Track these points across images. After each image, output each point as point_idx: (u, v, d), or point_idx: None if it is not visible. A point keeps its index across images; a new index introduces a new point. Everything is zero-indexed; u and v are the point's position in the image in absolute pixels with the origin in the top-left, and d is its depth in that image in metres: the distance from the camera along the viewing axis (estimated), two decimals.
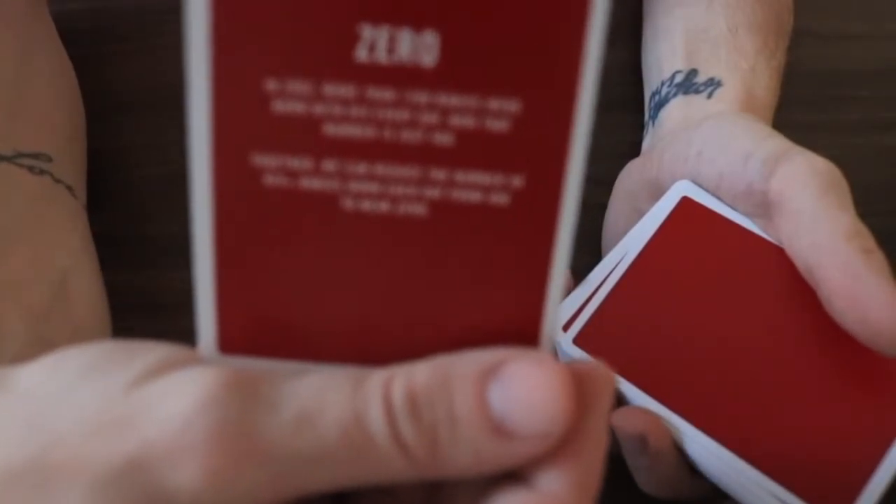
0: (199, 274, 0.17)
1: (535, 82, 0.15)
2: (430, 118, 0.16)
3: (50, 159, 0.35)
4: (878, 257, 0.25)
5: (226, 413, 0.15)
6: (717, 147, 0.29)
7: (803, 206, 0.26)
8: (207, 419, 0.15)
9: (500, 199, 0.16)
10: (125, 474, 0.15)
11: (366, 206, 0.16)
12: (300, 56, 0.15)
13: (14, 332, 0.31)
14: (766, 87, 0.36)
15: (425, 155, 0.16)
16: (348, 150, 0.16)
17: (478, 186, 0.16)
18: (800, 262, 0.27)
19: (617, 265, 0.29)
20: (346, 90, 0.15)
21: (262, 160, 0.16)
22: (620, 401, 0.27)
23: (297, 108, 0.15)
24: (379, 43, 0.15)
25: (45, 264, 0.33)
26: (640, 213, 0.32)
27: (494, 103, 0.15)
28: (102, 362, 0.17)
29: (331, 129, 0.16)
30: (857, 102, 0.45)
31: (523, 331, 0.17)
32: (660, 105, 0.37)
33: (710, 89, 0.35)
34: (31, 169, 0.34)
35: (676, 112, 0.36)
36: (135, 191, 0.41)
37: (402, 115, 0.15)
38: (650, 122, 0.39)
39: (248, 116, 0.15)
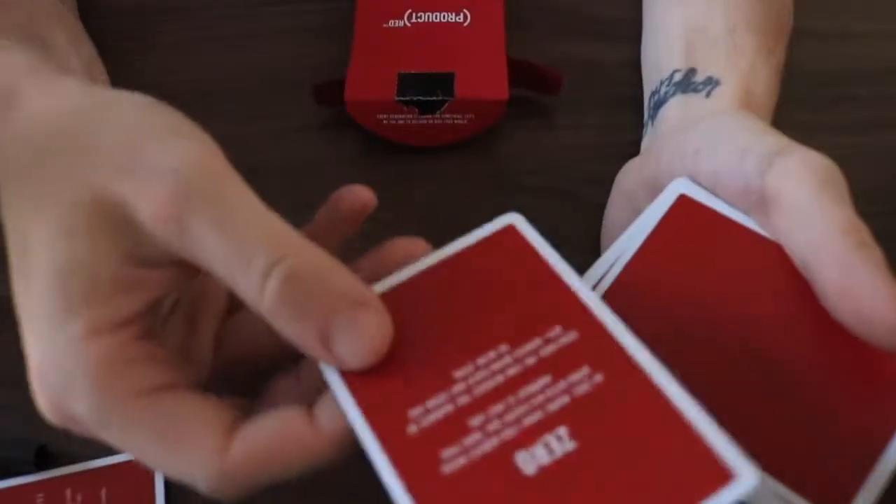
0: None
1: None
2: None
3: None
4: (875, 251, 0.25)
5: (191, 186, 0.21)
6: (715, 144, 0.29)
7: (800, 202, 0.26)
8: (184, 178, 0.21)
9: None
10: (103, 204, 0.22)
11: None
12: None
13: (61, 44, 0.35)
14: (765, 85, 0.36)
15: None
16: None
17: None
18: (796, 258, 0.27)
19: (614, 263, 0.29)
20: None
21: None
22: None
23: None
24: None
25: (78, 48, 0.37)
26: (638, 213, 0.32)
27: None
28: (142, 110, 0.24)
29: None
30: (857, 102, 0.44)
31: None
32: (659, 104, 0.37)
33: (708, 88, 0.35)
34: None
35: (675, 111, 0.36)
36: None
37: None
38: (649, 122, 0.39)
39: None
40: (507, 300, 0.24)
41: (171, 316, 0.26)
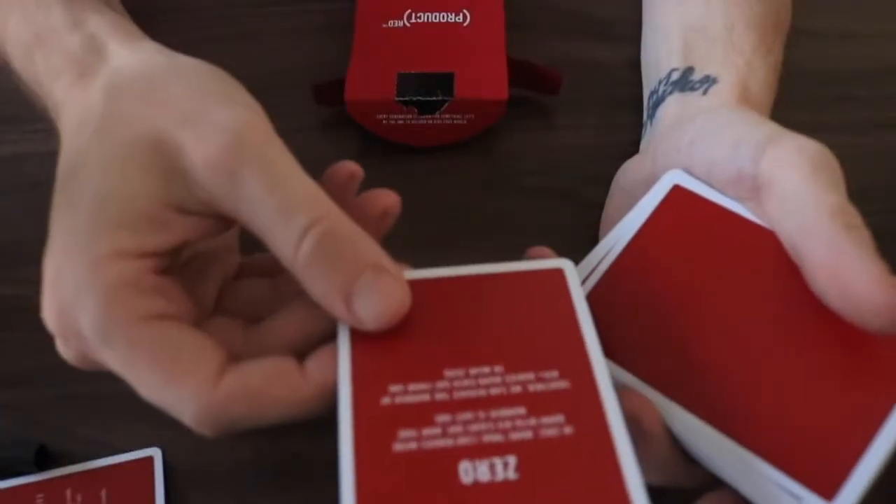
0: None
1: None
2: None
3: None
4: (862, 233, 0.24)
5: (246, 143, 0.24)
6: (709, 136, 0.30)
7: (791, 187, 0.26)
8: (239, 135, 0.24)
9: None
10: (161, 145, 0.24)
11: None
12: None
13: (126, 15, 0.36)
14: (761, 82, 0.36)
15: None
16: None
17: None
18: (786, 242, 0.27)
19: (608, 252, 0.30)
20: None
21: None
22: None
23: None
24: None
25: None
26: None
27: None
28: (210, 75, 0.26)
29: None
30: (857, 102, 0.45)
31: None
32: (657, 104, 0.38)
33: (705, 86, 0.35)
34: None
35: (672, 109, 0.36)
36: None
37: None
38: (648, 122, 0.39)
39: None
40: (523, 330, 0.25)
41: (187, 264, 0.28)
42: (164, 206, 0.24)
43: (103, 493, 0.34)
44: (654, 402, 0.26)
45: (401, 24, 0.44)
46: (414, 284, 0.25)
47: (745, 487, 0.25)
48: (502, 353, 0.24)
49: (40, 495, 0.34)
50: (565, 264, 0.27)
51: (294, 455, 0.36)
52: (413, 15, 0.44)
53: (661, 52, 0.39)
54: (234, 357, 0.25)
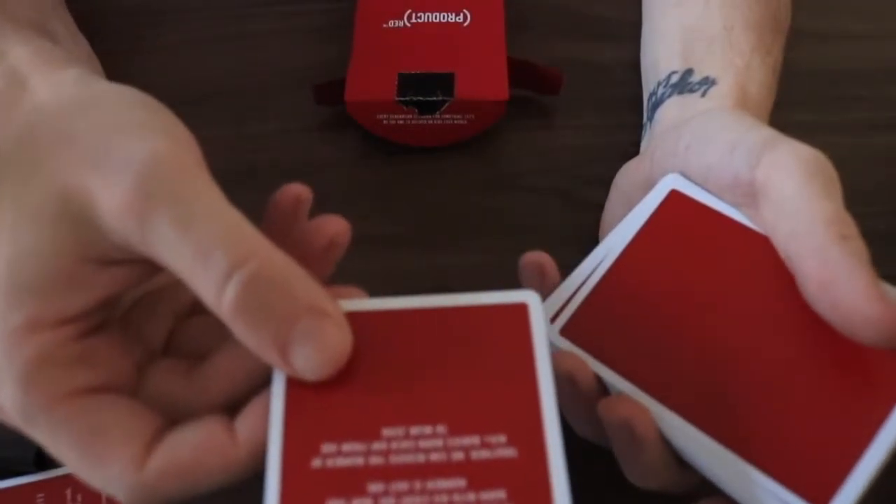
0: None
1: None
2: None
3: None
4: (856, 244, 0.24)
5: (155, 180, 0.21)
6: (705, 140, 0.30)
7: (786, 194, 0.26)
8: (146, 173, 0.21)
9: None
10: (70, 194, 0.22)
11: None
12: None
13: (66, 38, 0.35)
14: (760, 83, 0.36)
15: None
16: None
17: None
18: (780, 249, 0.27)
19: (604, 258, 0.30)
20: None
21: None
22: (607, 391, 0.27)
23: None
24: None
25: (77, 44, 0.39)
26: None
27: None
28: (125, 104, 0.23)
29: None
30: (857, 102, 0.45)
31: None
32: (656, 106, 0.38)
33: (704, 88, 0.35)
34: None
35: (671, 111, 0.36)
36: None
37: None
38: (647, 124, 0.39)
39: None
40: (474, 380, 0.23)
41: (135, 306, 0.26)
42: (81, 261, 0.22)
43: (104, 492, 0.34)
44: (648, 408, 0.26)
45: (401, 24, 0.44)
46: (358, 318, 0.23)
47: (738, 494, 0.25)
48: (448, 408, 0.22)
49: (40, 495, 0.34)
50: (529, 298, 0.24)
51: None
52: (413, 15, 0.44)
53: (660, 54, 0.39)
54: (171, 416, 0.24)
